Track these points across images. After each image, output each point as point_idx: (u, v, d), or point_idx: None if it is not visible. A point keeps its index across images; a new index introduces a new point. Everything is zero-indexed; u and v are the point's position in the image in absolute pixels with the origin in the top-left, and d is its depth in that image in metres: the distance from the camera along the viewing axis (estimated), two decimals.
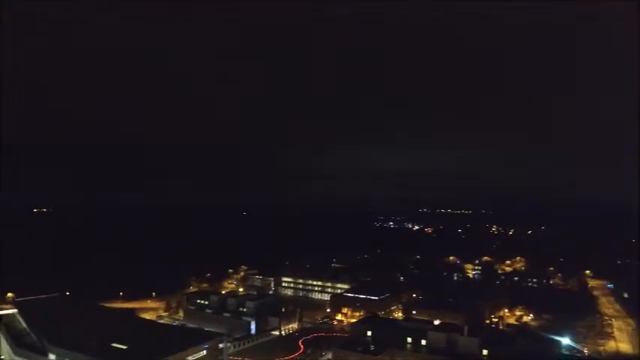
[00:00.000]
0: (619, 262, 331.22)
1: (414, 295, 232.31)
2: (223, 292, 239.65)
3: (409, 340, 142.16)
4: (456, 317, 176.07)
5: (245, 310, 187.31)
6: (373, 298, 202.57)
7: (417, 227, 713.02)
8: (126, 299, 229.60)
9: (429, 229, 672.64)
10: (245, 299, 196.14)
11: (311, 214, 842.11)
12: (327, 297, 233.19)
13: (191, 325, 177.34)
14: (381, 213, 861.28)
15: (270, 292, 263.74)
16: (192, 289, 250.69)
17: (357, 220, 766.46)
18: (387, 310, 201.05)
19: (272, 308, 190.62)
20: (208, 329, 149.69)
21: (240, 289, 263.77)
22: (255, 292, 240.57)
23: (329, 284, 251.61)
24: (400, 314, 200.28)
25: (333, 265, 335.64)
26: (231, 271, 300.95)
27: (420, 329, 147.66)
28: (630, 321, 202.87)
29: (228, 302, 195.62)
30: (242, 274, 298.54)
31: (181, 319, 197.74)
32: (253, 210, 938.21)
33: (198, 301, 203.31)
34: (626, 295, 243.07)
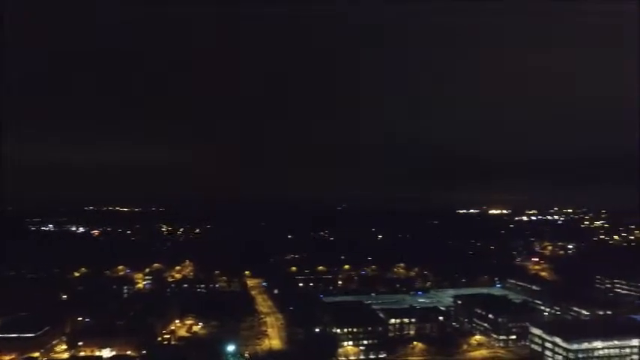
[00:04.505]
0: (272, 260, 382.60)
1: (81, 319, 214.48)
2: None
3: None
4: (128, 342, 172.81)
5: None
6: (29, 335, 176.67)
7: (82, 230, 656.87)
8: None
9: (96, 232, 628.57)
10: None
11: None
12: None
13: None
14: (38, 214, 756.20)
15: None
16: None
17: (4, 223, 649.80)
18: (50, 346, 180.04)
19: None
20: None
21: None
22: None
23: None
24: (65, 348, 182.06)
25: None
26: None
27: None
28: (279, 316, 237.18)
29: None
30: None
31: None
32: None
33: None
34: (276, 292, 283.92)
